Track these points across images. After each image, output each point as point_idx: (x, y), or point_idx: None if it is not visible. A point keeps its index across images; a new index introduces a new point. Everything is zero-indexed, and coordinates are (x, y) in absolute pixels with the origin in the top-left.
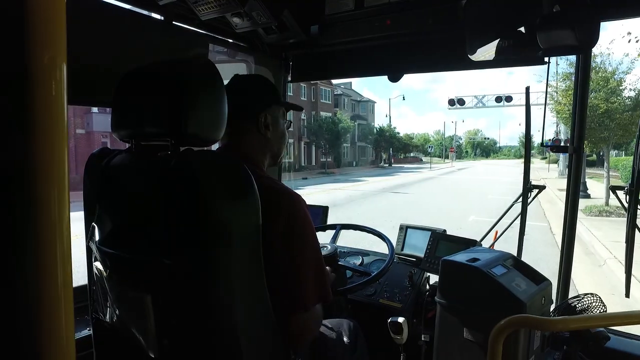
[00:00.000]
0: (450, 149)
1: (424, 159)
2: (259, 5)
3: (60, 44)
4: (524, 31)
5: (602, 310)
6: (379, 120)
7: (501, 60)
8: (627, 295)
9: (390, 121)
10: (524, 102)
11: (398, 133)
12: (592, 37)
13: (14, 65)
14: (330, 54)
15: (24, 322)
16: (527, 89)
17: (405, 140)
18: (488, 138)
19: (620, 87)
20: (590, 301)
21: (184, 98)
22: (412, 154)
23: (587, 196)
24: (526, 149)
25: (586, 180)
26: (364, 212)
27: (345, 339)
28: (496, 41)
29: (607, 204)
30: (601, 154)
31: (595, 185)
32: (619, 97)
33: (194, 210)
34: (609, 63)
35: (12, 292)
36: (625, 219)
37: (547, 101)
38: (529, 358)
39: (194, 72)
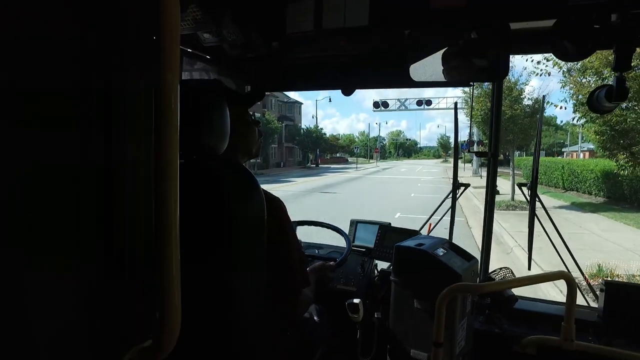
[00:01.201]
0: (374, 150)
1: (350, 159)
2: (230, 23)
3: (176, 66)
4: (451, 58)
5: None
6: (306, 121)
7: (434, 81)
8: (529, 269)
9: (317, 122)
10: (442, 105)
11: (324, 134)
12: (503, 68)
13: (151, 82)
14: (289, 68)
15: (150, 298)
16: (455, 104)
17: (332, 141)
18: (409, 139)
19: (521, 96)
20: (505, 273)
21: (200, 113)
22: (338, 155)
23: (497, 192)
24: (455, 155)
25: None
26: (295, 211)
27: (315, 317)
28: (430, 64)
29: (512, 199)
30: (507, 154)
31: (503, 183)
32: (520, 105)
33: (216, 210)
34: (511, 74)
35: (138, 277)
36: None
37: (461, 105)
38: (463, 319)
39: (205, 89)
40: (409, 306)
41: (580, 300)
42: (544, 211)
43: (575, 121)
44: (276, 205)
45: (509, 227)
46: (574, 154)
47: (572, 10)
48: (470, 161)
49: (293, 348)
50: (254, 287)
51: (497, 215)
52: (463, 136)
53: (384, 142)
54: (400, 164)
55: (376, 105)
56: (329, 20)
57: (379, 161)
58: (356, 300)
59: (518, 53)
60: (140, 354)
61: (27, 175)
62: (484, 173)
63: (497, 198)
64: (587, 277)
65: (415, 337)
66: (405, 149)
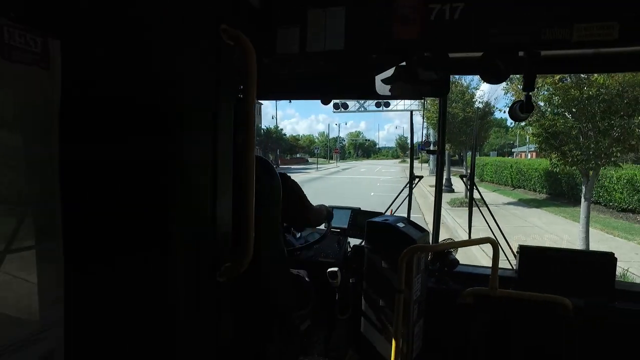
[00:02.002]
0: (334, 150)
1: (310, 159)
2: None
3: (254, 88)
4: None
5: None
6: (266, 122)
7: (395, 95)
8: (470, 237)
9: (276, 123)
10: (399, 107)
11: (284, 134)
12: (446, 87)
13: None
14: (277, 81)
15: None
16: (411, 112)
17: (292, 141)
18: (369, 140)
19: (473, 100)
20: (449, 241)
21: None
22: (298, 155)
23: (452, 191)
24: (411, 155)
25: (450, 177)
26: None
27: (306, 278)
28: (391, 82)
29: (466, 196)
30: (461, 154)
31: (459, 181)
32: (472, 108)
33: None
34: (464, 79)
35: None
36: (479, 205)
37: (418, 107)
38: (418, 274)
39: None
40: (378, 266)
41: (507, 265)
42: (496, 207)
43: (516, 124)
44: (286, 176)
45: (463, 222)
46: (523, 154)
47: (493, 47)
48: (427, 161)
49: (294, 295)
50: (275, 237)
51: (453, 212)
52: (421, 137)
53: (344, 143)
54: (360, 164)
55: (336, 106)
56: (311, 45)
57: (338, 161)
58: (335, 269)
59: (455, 74)
60: (227, 268)
61: (177, 169)
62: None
63: (453, 196)
64: (511, 246)
65: (383, 290)
66: (365, 149)
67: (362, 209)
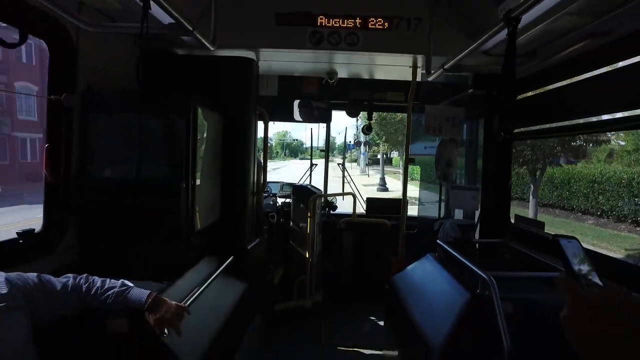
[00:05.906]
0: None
1: None
2: None
3: (267, 124)
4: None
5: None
6: None
7: (303, 120)
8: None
9: None
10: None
11: None
12: (329, 117)
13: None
14: None
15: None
16: (312, 129)
17: None
18: (296, 139)
19: None
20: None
21: None
22: None
23: (386, 189)
24: (310, 154)
25: (385, 176)
26: None
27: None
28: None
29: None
30: (389, 154)
31: (392, 181)
32: None
33: None
34: None
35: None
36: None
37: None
38: (318, 211)
39: None
40: (299, 209)
41: (362, 211)
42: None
43: None
44: None
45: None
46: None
47: (352, 99)
48: (355, 160)
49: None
50: None
51: None
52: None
53: (271, 142)
54: (289, 163)
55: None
56: (260, 91)
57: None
58: (272, 213)
59: (335, 110)
60: (256, 192)
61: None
62: (372, 172)
63: (388, 195)
64: (363, 198)
65: (301, 218)
66: (292, 149)
67: (285, 182)
